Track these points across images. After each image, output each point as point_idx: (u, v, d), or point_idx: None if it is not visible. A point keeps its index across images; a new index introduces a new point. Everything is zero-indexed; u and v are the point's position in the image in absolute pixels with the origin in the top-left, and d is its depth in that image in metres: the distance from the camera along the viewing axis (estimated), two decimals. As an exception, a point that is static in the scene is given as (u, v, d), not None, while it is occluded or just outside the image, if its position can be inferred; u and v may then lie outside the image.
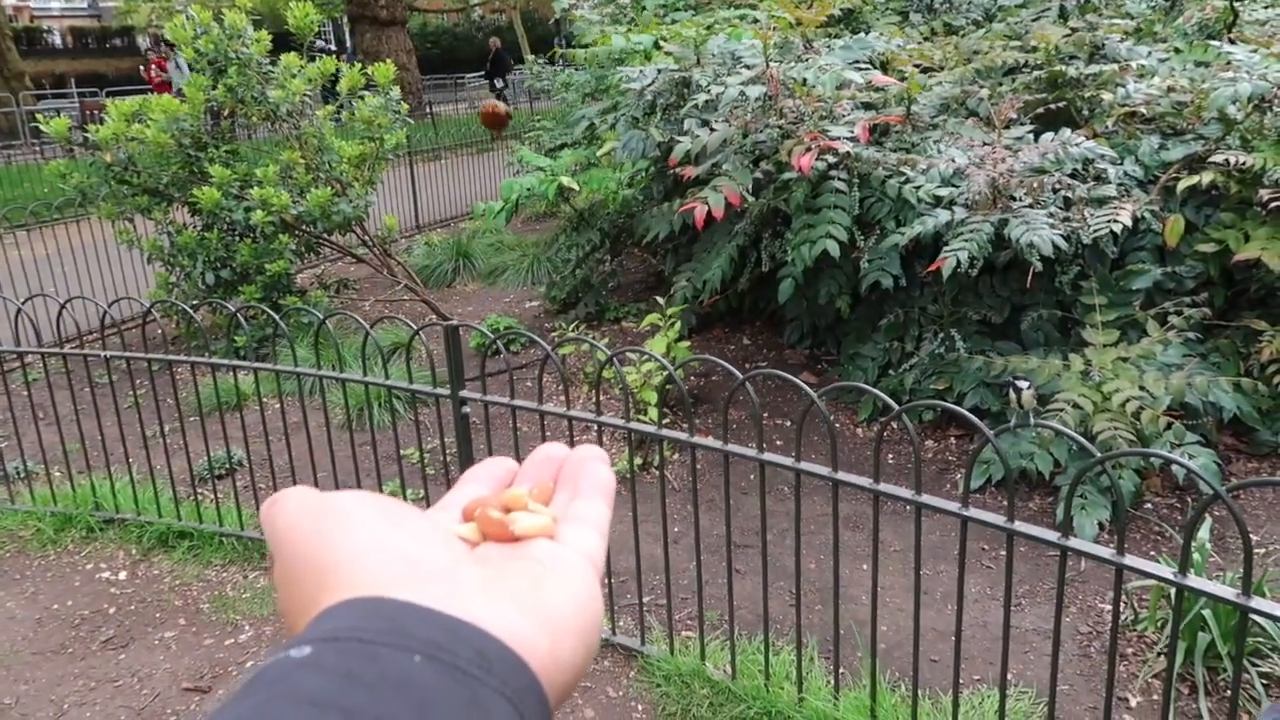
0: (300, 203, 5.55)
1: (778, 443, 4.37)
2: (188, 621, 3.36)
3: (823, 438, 4.39)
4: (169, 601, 3.47)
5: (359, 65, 6.00)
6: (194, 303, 5.25)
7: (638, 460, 4.17)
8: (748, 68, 4.38)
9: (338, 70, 6.03)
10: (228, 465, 4.19)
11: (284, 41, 5.74)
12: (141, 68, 17.69)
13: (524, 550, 0.42)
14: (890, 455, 4.20)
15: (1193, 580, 1.92)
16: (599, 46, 5.75)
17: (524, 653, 0.35)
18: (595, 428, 2.89)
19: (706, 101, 4.23)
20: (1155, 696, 2.75)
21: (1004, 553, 3.37)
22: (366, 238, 6.12)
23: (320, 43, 26.91)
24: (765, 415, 4.53)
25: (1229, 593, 1.86)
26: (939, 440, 4.27)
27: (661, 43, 5.45)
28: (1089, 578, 3.31)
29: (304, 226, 5.81)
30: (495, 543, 0.43)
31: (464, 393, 3.14)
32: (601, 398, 3.18)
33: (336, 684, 0.31)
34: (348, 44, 26.32)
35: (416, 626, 0.34)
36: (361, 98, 5.90)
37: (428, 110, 16.55)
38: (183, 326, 5.60)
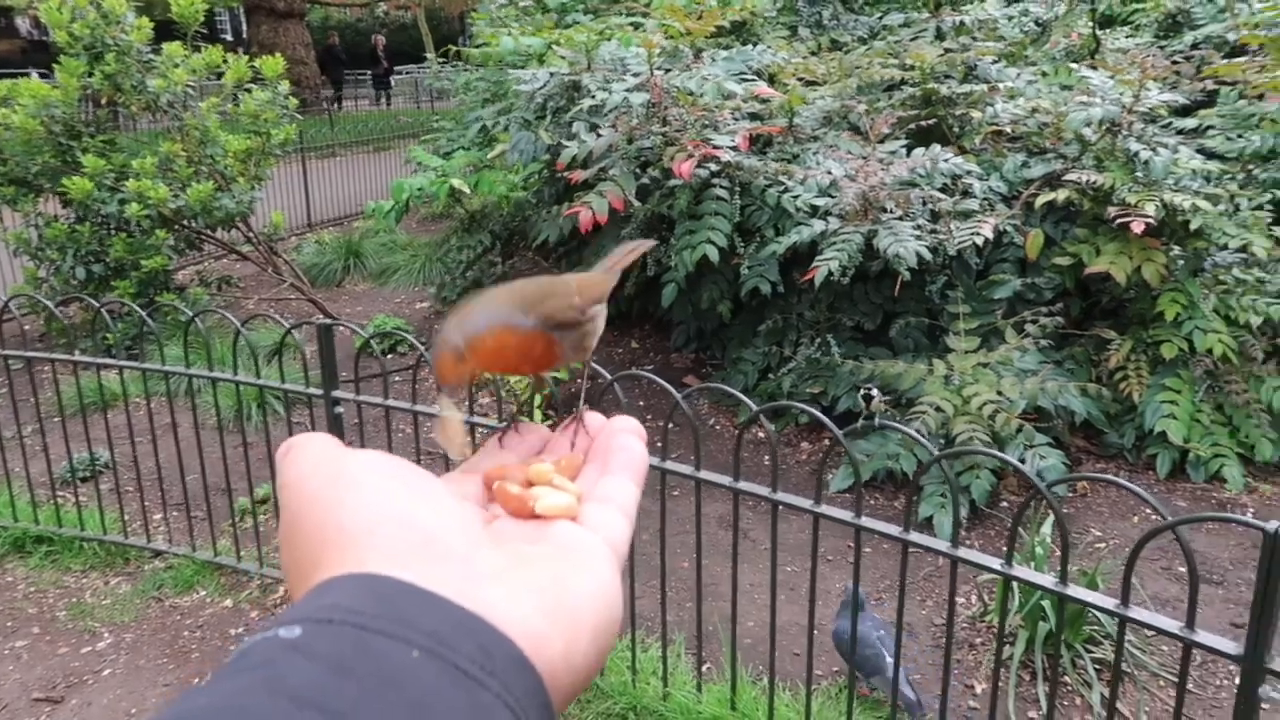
0: (180, 197, 5.39)
1: (657, 444, 4.44)
2: (42, 630, 3.23)
3: (703, 439, 4.48)
4: (22, 609, 3.33)
5: (248, 57, 5.86)
6: (61, 299, 5.04)
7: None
8: (634, 75, 4.45)
9: (225, 61, 5.87)
10: (92, 468, 4.04)
11: (169, 30, 5.59)
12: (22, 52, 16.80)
13: (544, 532, 0.39)
14: (767, 457, 4.32)
15: (1018, 570, 2.05)
16: (490, 48, 5.74)
17: (533, 651, 0.32)
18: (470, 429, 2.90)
19: (593, 106, 4.28)
20: (1000, 684, 2.90)
21: (866, 550, 3.50)
22: (251, 234, 5.97)
23: (224, 35, 26.03)
24: (649, 417, 4.60)
25: (1048, 581, 1.99)
26: (814, 442, 4.41)
27: (554, 47, 5.48)
28: (945, 572, 3.46)
29: (183, 221, 5.64)
30: (515, 519, 0.40)
31: (337, 393, 3.11)
32: (498, 400, 3.19)
33: (324, 677, 0.28)
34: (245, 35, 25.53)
35: (419, 614, 0.31)
36: (249, 91, 5.76)
37: (325, 106, 16.19)
38: (50, 323, 5.37)
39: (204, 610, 3.36)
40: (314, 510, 0.36)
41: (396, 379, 4.96)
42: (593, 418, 0.48)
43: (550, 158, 4.80)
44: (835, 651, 3.05)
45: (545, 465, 0.43)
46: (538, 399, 4.20)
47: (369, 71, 21.44)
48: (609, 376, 2.58)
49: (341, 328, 3.48)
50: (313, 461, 0.38)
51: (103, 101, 5.90)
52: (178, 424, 3.57)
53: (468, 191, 5.52)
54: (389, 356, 5.67)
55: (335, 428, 3.16)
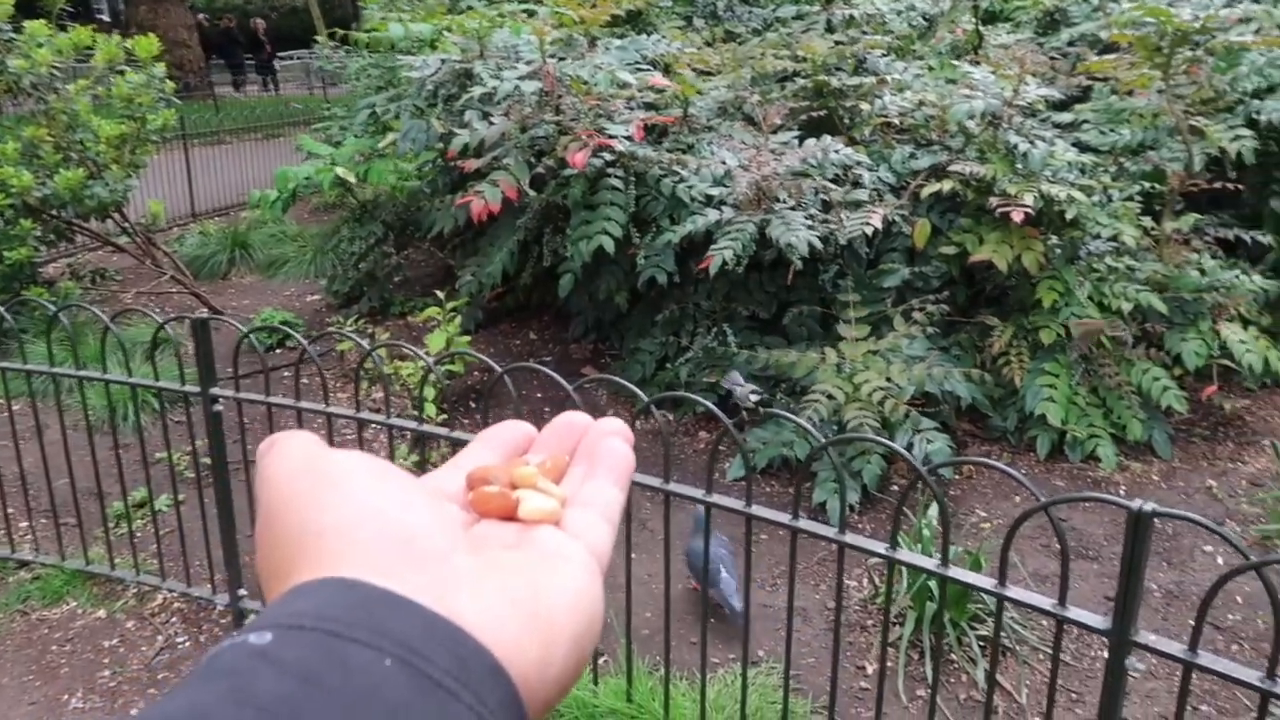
0: (47, 185, 5.08)
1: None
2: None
3: (603, 431, 4.47)
4: None
5: (121, 37, 5.57)
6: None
7: (414, 458, 4.09)
8: (527, 63, 4.38)
9: (95, 41, 5.56)
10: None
11: (32, 7, 5.26)
12: None
13: (525, 537, 0.38)
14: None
15: (902, 554, 2.09)
16: (378, 33, 5.59)
17: (508, 660, 0.32)
18: (357, 425, 2.82)
19: (485, 94, 4.20)
20: (890, 664, 2.97)
21: (764, 537, 3.55)
22: (127, 225, 5.68)
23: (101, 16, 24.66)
24: (546, 409, 4.56)
25: (931, 563, 2.04)
26: (711, 431, 4.43)
27: (447, 33, 5.37)
28: (837, 557, 3.53)
29: (51, 211, 5.32)
30: (496, 520, 0.40)
31: (215, 390, 2.97)
32: (385, 394, 3.10)
33: (292, 687, 0.27)
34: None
35: (394, 621, 0.30)
36: (121, 73, 5.47)
37: (211, 91, 15.58)
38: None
39: (74, 622, 3.18)
40: (291, 511, 0.35)
41: (286, 375, 4.79)
42: (577, 417, 0.46)
43: (442, 146, 4.70)
44: (734, 639, 3.08)
45: (529, 468, 0.42)
46: (431, 392, 4.11)
47: (251, 57, 20.69)
48: (499, 369, 2.54)
49: (227, 322, 3.33)
50: (292, 461, 0.37)
51: (-42, 82, 5.53)
52: (45, 426, 3.37)
53: (353, 181, 5.36)
54: (278, 351, 5.48)
55: (215, 426, 3.03)
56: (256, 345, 2.83)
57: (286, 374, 4.83)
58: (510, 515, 0.39)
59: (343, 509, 0.35)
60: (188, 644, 3.12)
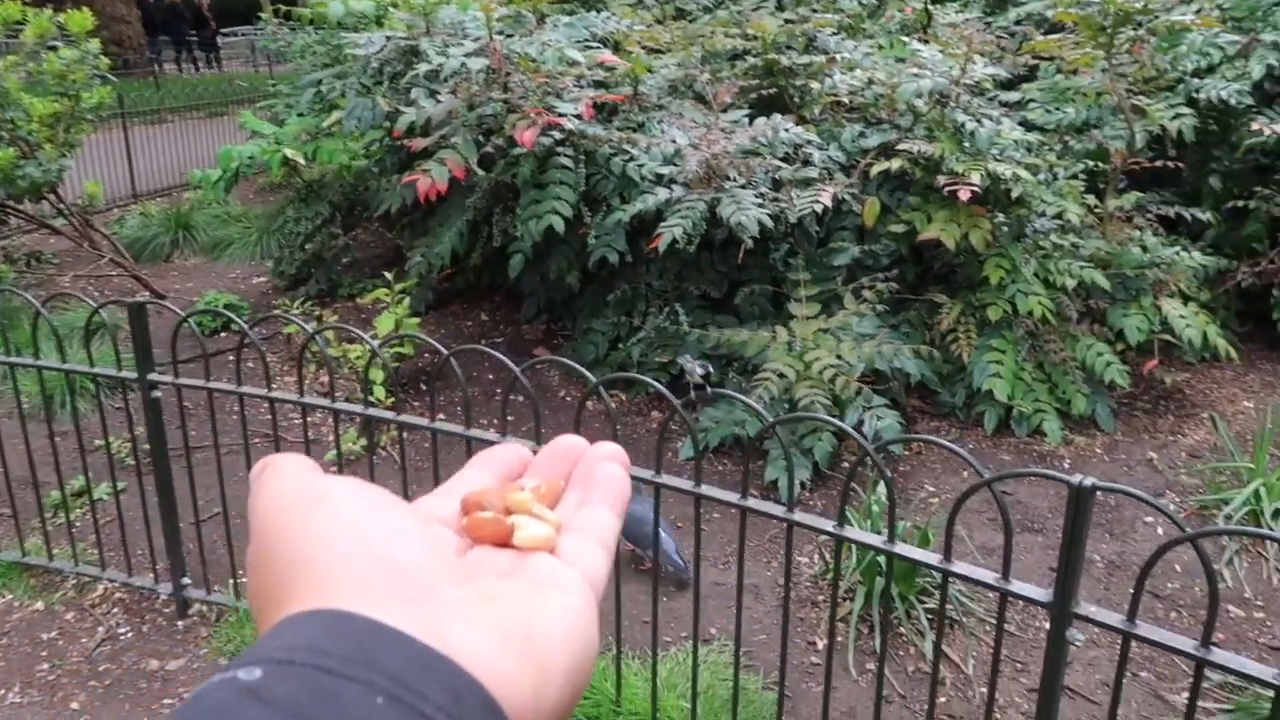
0: (-25, 165, 4.90)
1: (510, 419, 4.37)
2: None
3: (555, 410, 4.44)
4: None
5: (54, 11, 5.38)
6: None
7: (362, 442, 4.04)
8: (474, 40, 4.31)
9: (25, 16, 5.37)
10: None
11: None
12: None
13: (520, 564, 0.38)
14: (619, 426, 4.32)
15: (849, 532, 2.10)
16: (319, 9, 5.47)
17: (502, 694, 0.31)
18: (302, 409, 2.77)
19: (430, 72, 4.12)
20: (840, 638, 3.00)
21: (717, 515, 3.56)
22: (63, 206, 5.52)
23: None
24: (497, 391, 4.52)
25: (877, 540, 2.05)
26: (664, 411, 4.43)
27: (392, 9, 5.26)
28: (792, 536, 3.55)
29: (-19, 192, 5.15)
30: (490, 547, 0.39)
31: (153, 376, 2.90)
32: (330, 378, 3.04)
33: None
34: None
35: (386, 656, 0.30)
36: (54, 49, 5.29)
37: (152, 68, 15.15)
38: None
39: (11, 615, 3.10)
40: (283, 540, 0.35)
41: (231, 359, 4.69)
42: (573, 440, 0.46)
43: (389, 125, 4.61)
44: (686, 617, 3.09)
45: (525, 494, 0.42)
46: (379, 375, 4.06)
47: (195, 35, 20.15)
48: (444, 351, 2.50)
49: (166, 307, 3.25)
50: (284, 487, 0.37)
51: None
52: (-26, 414, 3.26)
53: (301, 160, 5.25)
54: (224, 335, 5.37)
55: (154, 413, 2.96)
56: (195, 329, 2.76)
57: (232, 359, 4.74)
58: (505, 542, 0.39)
59: (334, 539, 0.34)
60: (130, 634, 3.06)
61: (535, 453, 0.46)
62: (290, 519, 0.35)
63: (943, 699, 2.77)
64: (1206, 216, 4.78)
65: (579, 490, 0.43)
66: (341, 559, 0.33)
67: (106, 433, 3.21)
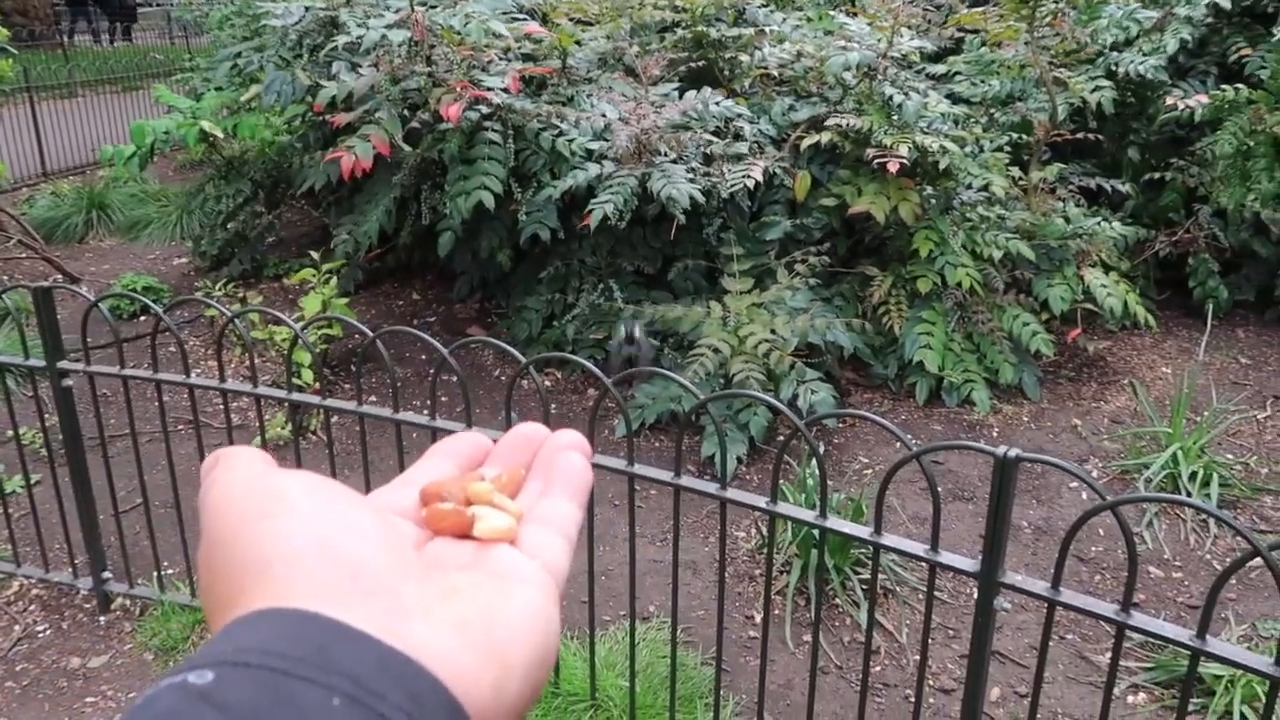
0: None
1: (443, 399, 4.31)
2: None
3: (489, 390, 4.39)
4: None
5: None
6: None
7: (290, 427, 3.94)
8: (395, 11, 4.19)
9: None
10: None
11: None
12: None
13: (481, 556, 0.38)
14: (554, 405, 4.29)
15: (782, 507, 2.11)
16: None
17: (463, 691, 0.31)
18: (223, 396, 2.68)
19: (350, 44, 4.00)
20: (777, 611, 3.03)
21: (653, 492, 3.55)
22: (-35, 186, 5.27)
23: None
24: (429, 370, 4.44)
25: (809, 515, 2.06)
26: (601, 389, 4.40)
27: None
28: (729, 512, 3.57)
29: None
30: (450, 538, 0.38)
31: (63, 364, 2.78)
32: (252, 362, 2.95)
33: None
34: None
35: (344, 656, 0.29)
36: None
37: (61, 41, 14.49)
38: None
39: (-82, 617, 2.96)
40: (235, 538, 0.34)
41: (147, 345, 4.52)
42: (534, 429, 0.45)
43: (311, 99, 4.47)
44: (620, 597, 3.08)
45: (485, 484, 0.41)
46: (308, 358, 3.96)
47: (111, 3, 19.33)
48: (370, 333, 2.44)
49: (77, 291, 3.11)
50: (237, 481, 0.36)
51: None
52: None
53: (219, 135, 5.07)
54: (143, 319, 5.18)
55: (66, 402, 2.83)
56: (106, 314, 2.64)
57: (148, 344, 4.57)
58: (465, 533, 0.39)
59: (289, 535, 0.33)
60: (49, 632, 2.95)
61: (496, 441, 0.46)
62: (243, 516, 0.34)
63: (877, 667, 2.82)
64: (1126, 188, 4.90)
65: (540, 479, 0.43)
66: (296, 556, 0.32)
67: (15, 424, 3.07)
